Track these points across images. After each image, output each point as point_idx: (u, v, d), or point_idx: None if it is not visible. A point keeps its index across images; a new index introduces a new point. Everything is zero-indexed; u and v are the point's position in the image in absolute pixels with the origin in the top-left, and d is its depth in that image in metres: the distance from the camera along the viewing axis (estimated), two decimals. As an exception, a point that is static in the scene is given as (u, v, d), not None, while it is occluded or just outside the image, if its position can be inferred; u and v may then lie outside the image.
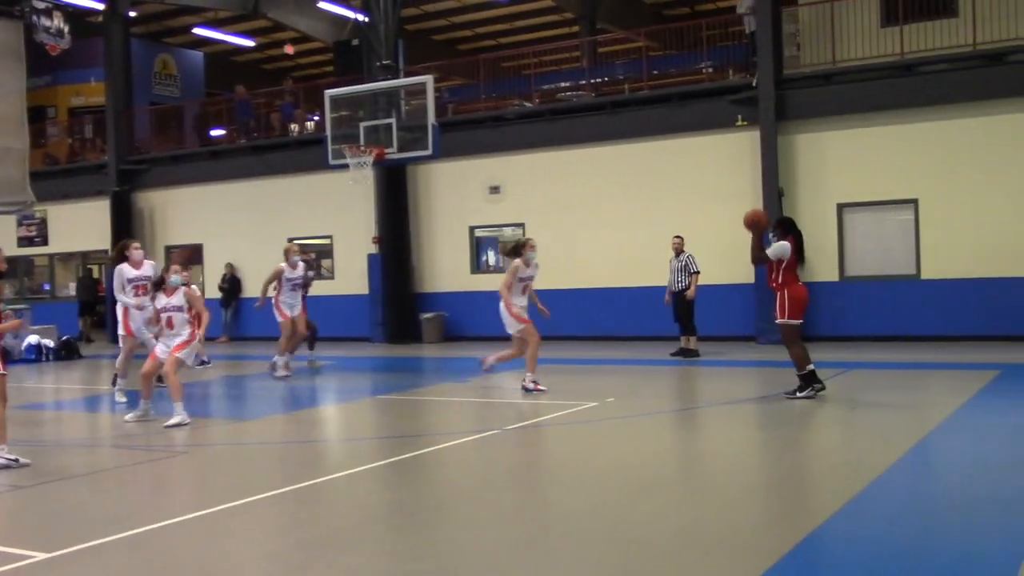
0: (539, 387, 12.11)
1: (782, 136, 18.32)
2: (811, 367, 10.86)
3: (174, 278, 10.84)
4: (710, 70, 21.14)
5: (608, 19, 27.49)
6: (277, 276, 14.91)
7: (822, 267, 18.15)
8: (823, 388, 10.86)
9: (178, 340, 10.74)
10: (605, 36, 26.12)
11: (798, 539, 5.60)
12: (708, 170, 19.21)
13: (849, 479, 7.10)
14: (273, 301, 14.92)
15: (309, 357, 16.86)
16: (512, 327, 12.28)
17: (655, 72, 22.52)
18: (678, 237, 16.48)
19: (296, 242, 24.04)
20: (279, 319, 14.82)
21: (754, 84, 18.45)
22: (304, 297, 15.26)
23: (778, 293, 10.81)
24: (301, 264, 15.11)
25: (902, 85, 17.72)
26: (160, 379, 11.74)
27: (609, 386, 13.18)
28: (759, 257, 10.85)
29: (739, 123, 18.76)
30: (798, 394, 10.79)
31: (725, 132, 19.00)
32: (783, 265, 10.78)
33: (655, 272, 17.90)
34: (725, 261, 18.48)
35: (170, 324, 10.82)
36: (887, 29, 18.55)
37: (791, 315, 10.74)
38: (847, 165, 18.05)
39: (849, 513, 6.12)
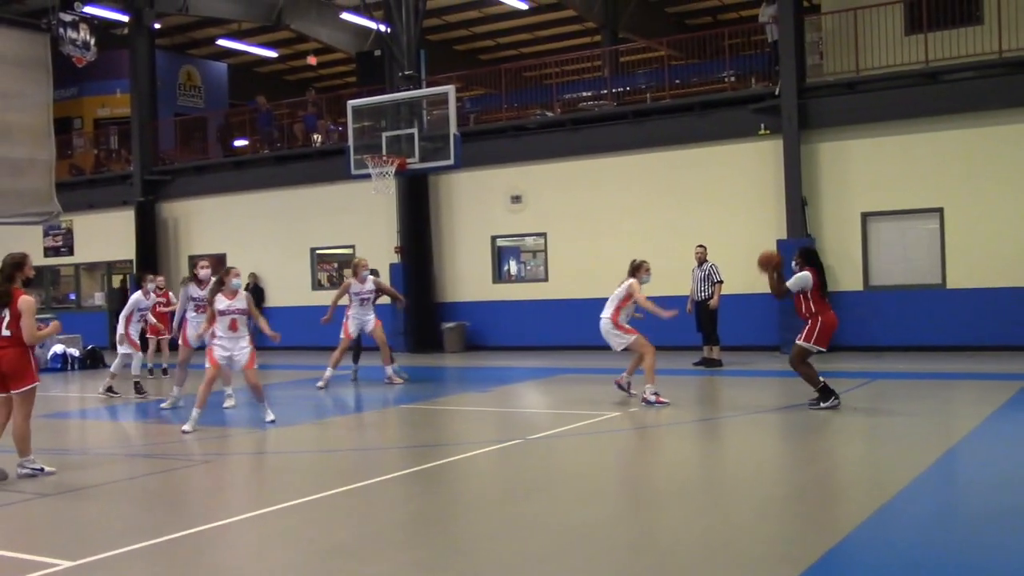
0: (660, 399, 11.56)
1: (805, 145, 18.23)
2: (823, 381, 10.83)
3: (235, 281, 11.23)
4: (732, 79, 21.08)
5: (630, 28, 27.47)
6: (345, 290, 15.06)
7: (846, 277, 18.04)
8: (839, 401, 10.82)
9: (246, 346, 11.18)
10: (627, 45, 26.12)
11: (825, 549, 5.55)
12: (730, 179, 19.15)
13: (875, 489, 7.04)
14: (345, 315, 15.03)
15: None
16: (620, 343, 12.03)
17: (677, 81, 22.48)
18: (701, 246, 16.42)
19: (318, 251, 24.24)
20: (342, 335, 14.99)
21: (777, 93, 18.38)
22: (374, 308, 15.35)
23: (810, 320, 10.81)
24: (370, 279, 15.13)
25: (927, 93, 17.59)
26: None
27: (632, 396, 13.10)
28: (780, 291, 10.98)
29: (762, 132, 18.69)
30: (821, 404, 10.72)
31: (747, 141, 18.94)
32: (809, 294, 10.81)
33: (677, 282, 17.83)
34: (748, 270, 18.24)
35: (234, 326, 11.11)
36: (911, 37, 18.44)
37: (817, 341, 10.74)
38: (871, 174, 17.94)
39: (876, 524, 6.06)
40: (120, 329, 14.29)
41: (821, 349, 10.83)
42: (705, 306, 16.07)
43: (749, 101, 19.06)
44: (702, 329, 16.29)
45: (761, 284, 18.00)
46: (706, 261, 16.28)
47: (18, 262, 8.21)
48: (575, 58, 24.73)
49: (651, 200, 19.93)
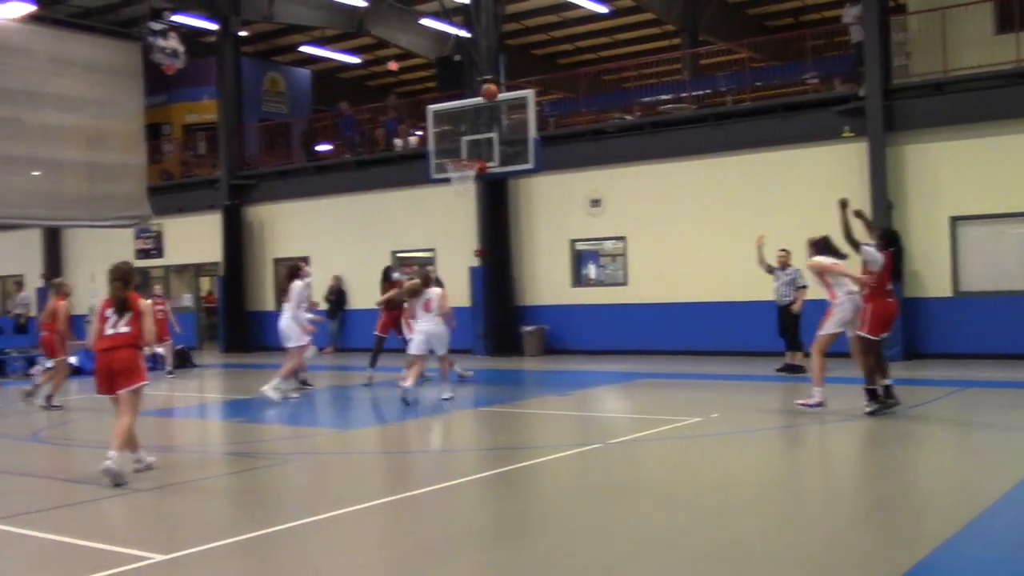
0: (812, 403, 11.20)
1: (891, 147, 17.85)
2: (883, 383, 10.66)
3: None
4: (815, 81, 20.74)
5: (710, 31, 27.24)
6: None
7: (934, 282, 17.61)
8: (890, 407, 10.57)
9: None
10: (707, 48, 25.89)
11: (910, 564, 5.43)
12: (813, 183, 18.84)
13: (963, 503, 6.87)
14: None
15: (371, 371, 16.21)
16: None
17: (758, 83, 22.21)
18: (784, 250, 16.19)
19: (399, 254, 24.54)
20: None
21: (861, 94, 18.05)
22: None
23: (864, 304, 10.68)
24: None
25: (1019, 94, 17.06)
26: None
27: (713, 401, 13.02)
28: (848, 232, 10.84)
29: (846, 134, 18.36)
30: (865, 410, 10.59)
31: (831, 144, 18.62)
32: (872, 275, 10.62)
33: (758, 286, 17.63)
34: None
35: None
36: (1002, 36, 17.93)
37: (871, 329, 10.59)
38: (960, 177, 17.48)
39: (965, 539, 5.92)
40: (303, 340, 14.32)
41: (879, 336, 10.62)
42: (787, 311, 15.85)
43: (832, 103, 18.75)
44: (784, 335, 16.06)
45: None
46: (789, 265, 16.05)
47: (132, 269, 8.80)
48: (654, 61, 24.61)
49: (731, 204, 19.73)
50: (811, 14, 28.26)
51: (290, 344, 13.94)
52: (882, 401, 10.65)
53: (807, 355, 16.18)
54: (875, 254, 10.65)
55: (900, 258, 10.91)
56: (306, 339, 14.26)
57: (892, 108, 17.88)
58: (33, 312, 26.19)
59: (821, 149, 18.79)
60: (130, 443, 8.53)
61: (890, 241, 10.86)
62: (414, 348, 13.55)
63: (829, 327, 11.18)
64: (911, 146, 17.89)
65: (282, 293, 16.07)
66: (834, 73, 20.28)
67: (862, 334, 10.68)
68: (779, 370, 15.97)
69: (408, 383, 13.17)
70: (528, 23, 29.30)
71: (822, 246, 11.52)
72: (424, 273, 14.29)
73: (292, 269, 14.56)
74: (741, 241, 19.45)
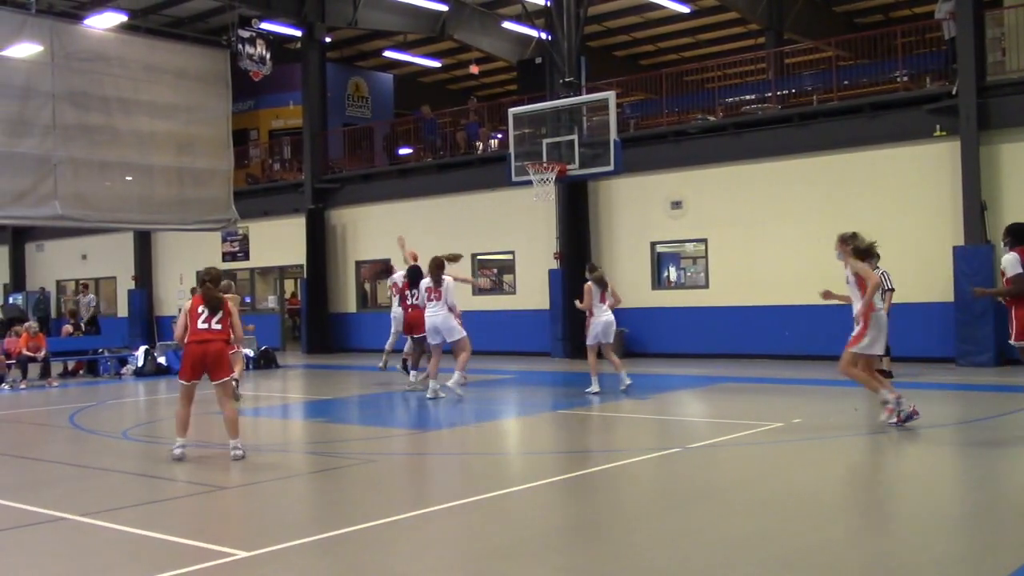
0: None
1: (984, 147, 17.29)
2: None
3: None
4: (905, 79, 20.21)
5: (796, 29, 26.75)
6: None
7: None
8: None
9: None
10: (792, 47, 25.44)
11: (1003, 574, 5.23)
12: (902, 184, 18.37)
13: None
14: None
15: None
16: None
17: (845, 82, 21.72)
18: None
19: (479, 257, 24.63)
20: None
21: (954, 92, 17.52)
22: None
23: (1009, 309, 9.57)
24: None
25: (1122, 89, 16.41)
26: None
27: (795, 406, 12.77)
28: (1010, 291, 9.55)
29: (937, 133, 17.85)
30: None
31: (921, 143, 18.12)
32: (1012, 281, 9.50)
33: (843, 290, 17.15)
34: (921, 278, 17.61)
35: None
36: (1105, 30, 17.25)
37: (1018, 336, 9.44)
38: (1058, 176, 16.86)
39: (1062, 550, 5.68)
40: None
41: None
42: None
43: (924, 101, 18.24)
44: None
45: (936, 293, 17.33)
46: (876, 268, 15.64)
47: (220, 274, 9.93)
48: (738, 61, 24.26)
49: (816, 205, 19.33)
50: (901, 10, 27.57)
51: (455, 337, 13.95)
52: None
53: (894, 360, 15.79)
54: (1011, 259, 9.50)
55: None
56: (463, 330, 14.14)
57: (986, 106, 17.31)
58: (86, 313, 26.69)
59: (911, 149, 18.30)
60: (233, 429, 9.40)
61: (1018, 237, 9.60)
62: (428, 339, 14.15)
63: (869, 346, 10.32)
64: (1006, 145, 17.30)
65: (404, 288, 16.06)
66: (925, 71, 19.73)
67: (1018, 344, 9.47)
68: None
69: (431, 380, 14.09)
70: (610, 24, 29.18)
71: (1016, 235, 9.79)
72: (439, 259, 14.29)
73: (439, 263, 14.15)
74: (825, 244, 19.05)
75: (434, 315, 13.91)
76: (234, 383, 10.97)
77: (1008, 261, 9.57)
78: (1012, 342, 9.65)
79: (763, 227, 19.97)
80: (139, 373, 20.20)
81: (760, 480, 8.25)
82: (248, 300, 30.65)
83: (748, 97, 23.16)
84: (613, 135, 17.33)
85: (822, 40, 24.28)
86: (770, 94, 21.86)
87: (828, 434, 10.26)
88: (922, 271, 17.69)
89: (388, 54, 31.78)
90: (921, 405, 10.94)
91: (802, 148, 19.57)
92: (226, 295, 9.91)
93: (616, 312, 22.00)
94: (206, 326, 9.30)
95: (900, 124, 18.46)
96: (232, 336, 9.71)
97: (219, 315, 9.35)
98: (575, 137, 17.85)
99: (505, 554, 6.01)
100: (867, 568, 5.53)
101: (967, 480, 8.27)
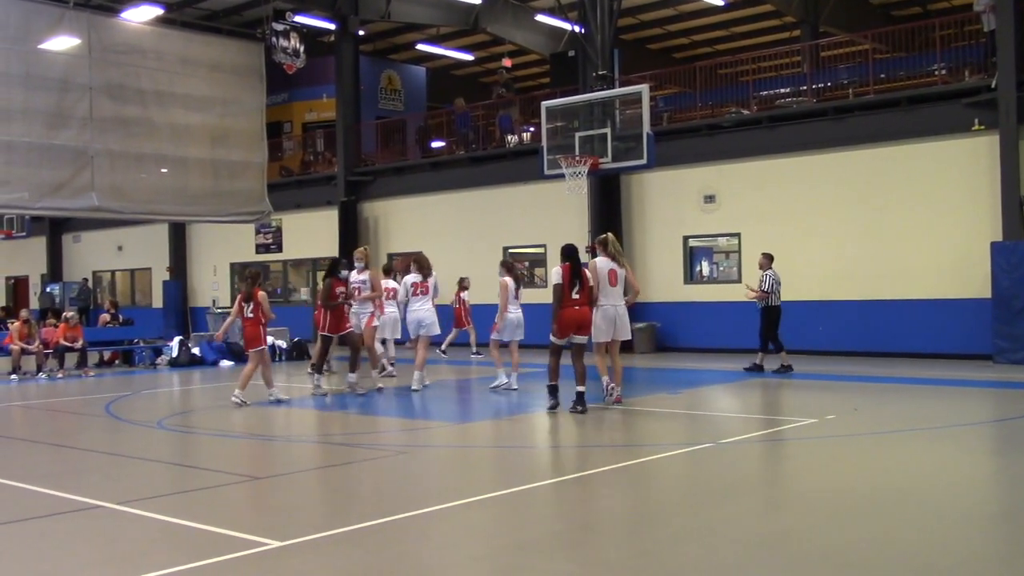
0: None
1: (1024, 141, 17.07)
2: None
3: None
4: (943, 72, 19.96)
5: (832, 22, 26.49)
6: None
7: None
8: None
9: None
10: (828, 40, 25.19)
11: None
12: (938, 178, 18.15)
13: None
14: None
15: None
16: None
17: (882, 75, 21.48)
18: None
19: (511, 250, 24.63)
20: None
21: (993, 86, 17.28)
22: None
23: None
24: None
25: None
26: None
27: (828, 402, 12.66)
28: None
29: (975, 128, 17.62)
30: None
31: (959, 137, 17.91)
32: None
33: (878, 285, 17.09)
34: (958, 274, 17.41)
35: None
36: None
37: None
38: (1100, 171, 16.58)
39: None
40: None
41: None
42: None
43: (962, 95, 18.01)
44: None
45: (972, 288, 17.12)
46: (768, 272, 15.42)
47: (259, 273, 13.10)
48: (773, 54, 24.06)
49: (851, 200, 19.16)
50: (940, 3, 27.23)
51: (435, 332, 14.79)
52: None
53: (928, 357, 15.63)
54: None
55: None
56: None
57: (1026, 100, 17.08)
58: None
59: (948, 143, 18.10)
60: (243, 382, 13.10)
61: None
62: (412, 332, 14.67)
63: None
64: (1046, 139, 17.06)
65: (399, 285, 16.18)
66: (964, 64, 19.47)
67: None
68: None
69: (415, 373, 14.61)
70: (643, 17, 29.05)
71: None
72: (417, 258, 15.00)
73: (422, 260, 14.85)
74: (862, 239, 18.91)
75: (419, 309, 14.52)
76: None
77: None
78: None
79: (797, 222, 19.81)
80: (173, 363, 20.41)
81: (791, 476, 8.20)
82: (279, 292, 30.88)
83: (783, 90, 22.97)
84: (646, 128, 17.27)
85: (858, 33, 24.03)
86: (805, 87, 21.67)
87: (860, 431, 10.18)
88: (959, 267, 17.50)
89: (421, 47, 31.83)
90: (956, 402, 10.83)
91: (837, 142, 19.39)
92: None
93: (648, 306, 22.11)
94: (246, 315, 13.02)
95: (937, 118, 18.24)
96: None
97: (250, 304, 12.92)
98: (608, 130, 17.81)
99: (534, 548, 6.02)
100: (895, 568, 5.48)
101: (1001, 479, 8.17)
